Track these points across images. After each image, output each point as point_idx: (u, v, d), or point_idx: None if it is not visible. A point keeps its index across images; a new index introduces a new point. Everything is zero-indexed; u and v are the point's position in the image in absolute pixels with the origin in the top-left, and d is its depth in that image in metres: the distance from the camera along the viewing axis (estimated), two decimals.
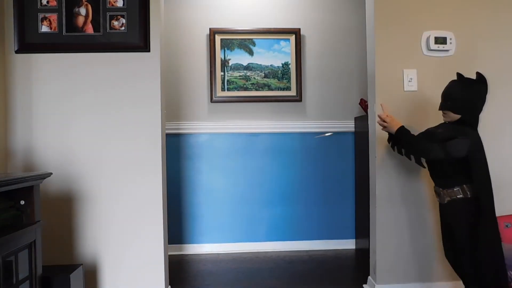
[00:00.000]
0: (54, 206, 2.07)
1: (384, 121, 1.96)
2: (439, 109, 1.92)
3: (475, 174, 1.82)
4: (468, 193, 1.85)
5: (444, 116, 1.92)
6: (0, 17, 2.06)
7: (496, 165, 2.33)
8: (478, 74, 1.89)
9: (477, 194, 1.83)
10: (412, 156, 2.00)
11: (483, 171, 1.85)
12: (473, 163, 1.81)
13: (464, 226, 1.87)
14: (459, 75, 1.90)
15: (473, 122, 1.88)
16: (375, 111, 2.29)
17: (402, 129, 1.92)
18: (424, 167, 2.02)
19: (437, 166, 1.95)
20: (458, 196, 1.86)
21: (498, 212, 2.31)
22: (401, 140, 1.96)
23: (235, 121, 3.36)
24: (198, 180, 3.35)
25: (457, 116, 1.86)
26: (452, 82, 1.91)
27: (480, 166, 1.84)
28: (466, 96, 1.85)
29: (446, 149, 1.80)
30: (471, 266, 1.87)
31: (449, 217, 1.92)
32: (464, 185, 1.85)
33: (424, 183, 2.30)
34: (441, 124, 1.99)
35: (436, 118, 2.29)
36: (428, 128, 2.06)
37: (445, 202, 1.91)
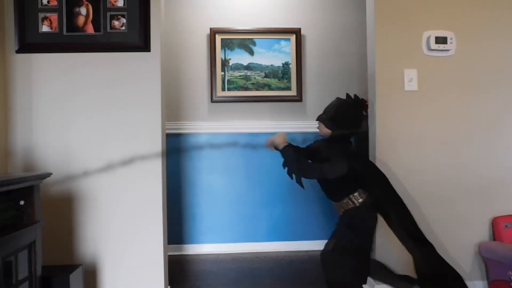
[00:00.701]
0: (54, 206, 2.07)
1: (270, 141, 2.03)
2: (316, 119, 2.05)
3: (369, 185, 1.96)
4: (355, 202, 1.95)
5: (318, 128, 2.05)
6: (0, 17, 2.06)
7: (496, 165, 2.34)
8: (355, 97, 2.05)
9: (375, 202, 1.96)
10: (293, 175, 2.03)
11: (376, 180, 1.97)
12: (365, 175, 1.95)
13: (357, 234, 1.96)
14: (347, 95, 2.08)
15: (341, 140, 2.01)
16: (375, 111, 2.29)
17: (286, 148, 1.98)
18: (304, 188, 2.05)
19: (323, 182, 2.05)
20: (349, 207, 1.96)
21: (498, 212, 2.32)
22: (284, 159, 2.00)
23: (235, 121, 3.36)
24: (198, 180, 3.35)
25: (328, 131, 2.00)
26: (337, 99, 2.07)
27: (370, 176, 1.97)
28: (341, 115, 1.99)
29: (323, 171, 1.93)
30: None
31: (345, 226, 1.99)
32: (351, 195, 1.96)
33: (424, 183, 2.30)
34: (320, 141, 2.10)
35: (436, 118, 2.30)
36: (309, 145, 2.15)
37: (340, 214, 2.01)
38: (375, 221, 1.99)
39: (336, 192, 2.01)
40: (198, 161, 3.35)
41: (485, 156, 2.33)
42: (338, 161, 1.91)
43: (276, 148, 2.04)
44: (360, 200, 1.95)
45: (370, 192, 1.96)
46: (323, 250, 2.05)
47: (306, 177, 2.01)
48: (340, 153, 1.94)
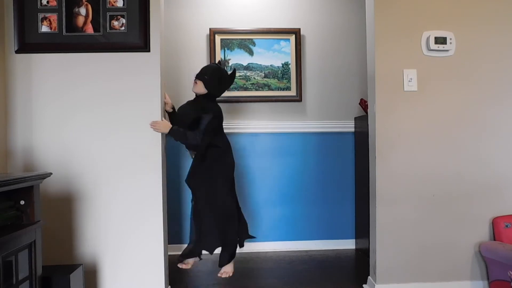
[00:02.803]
0: (54, 206, 2.07)
1: (154, 126, 2.15)
2: (195, 78, 2.33)
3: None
4: None
5: (194, 86, 2.34)
6: (0, 17, 2.06)
7: (497, 164, 2.34)
8: (234, 70, 2.43)
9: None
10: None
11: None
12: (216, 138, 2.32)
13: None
14: (220, 62, 2.52)
15: (214, 99, 2.37)
16: (375, 111, 2.29)
17: (171, 129, 2.19)
18: (192, 158, 2.39)
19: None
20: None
21: (498, 212, 2.32)
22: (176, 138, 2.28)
23: (235, 121, 3.36)
24: None
25: (204, 91, 2.32)
26: (214, 64, 2.44)
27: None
28: (219, 80, 2.34)
29: (207, 129, 2.25)
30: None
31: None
32: None
33: (424, 183, 2.30)
34: (191, 103, 2.38)
35: (435, 118, 2.30)
36: (179, 109, 2.40)
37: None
38: None
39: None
40: None
41: (485, 156, 2.33)
42: (214, 117, 2.29)
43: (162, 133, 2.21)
44: None
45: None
46: None
47: (198, 143, 2.27)
48: (214, 109, 2.32)
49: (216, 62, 2.47)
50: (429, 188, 2.30)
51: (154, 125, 2.12)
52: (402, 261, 2.29)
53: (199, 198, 2.35)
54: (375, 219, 2.30)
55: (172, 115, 2.40)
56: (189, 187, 2.39)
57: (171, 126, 2.20)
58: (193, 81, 2.37)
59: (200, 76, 2.34)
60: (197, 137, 2.24)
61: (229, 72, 2.43)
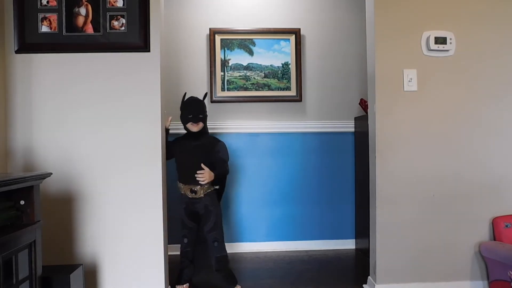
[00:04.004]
0: (54, 206, 2.07)
1: (203, 177, 2.38)
2: (194, 122, 2.40)
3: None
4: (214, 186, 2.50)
5: (194, 127, 2.41)
6: (0, 17, 2.06)
7: (497, 164, 2.34)
8: (205, 95, 2.56)
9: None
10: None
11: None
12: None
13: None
14: (205, 94, 2.57)
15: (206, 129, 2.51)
16: (375, 111, 2.29)
17: (215, 173, 2.41)
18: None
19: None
20: (210, 190, 2.45)
21: (498, 212, 2.32)
22: (220, 179, 2.52)
23: (235, 121, 3.36)
24: None
25: (202, 126, 2.44)
26: (198, 100, 2.48)
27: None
28: (205, 112, 2.47)
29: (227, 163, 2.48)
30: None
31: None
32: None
33: (424, 183, 2.30)
34: (186, 138, 2.47)
35: (435, 118, 2.30)
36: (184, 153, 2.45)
37: (203, 195, 2.43)
38: None
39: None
40: None
41: (485, 156, 2.33)
42: (224, 147, 2.49)
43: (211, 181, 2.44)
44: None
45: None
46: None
47: (227, 170, 2.49)
48: (218, 140, 2.51)
49: (204, 94, 2.58)
50: (429, 188, 2.30)
51: (203, 177, 2.35)
52: (402, 261, 2.29)
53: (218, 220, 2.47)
54: (375, 219, 2.30)
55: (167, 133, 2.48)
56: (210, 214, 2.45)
57: (213, 173, 2.40)
58: (193, 124, 2.41)
59: (199, 119, 2.42)
60: (227, 167, 2.47)
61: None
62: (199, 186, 2.40)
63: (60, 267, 1.93)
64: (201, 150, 2.42)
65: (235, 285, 2.45)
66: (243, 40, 3.38)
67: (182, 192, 2.45)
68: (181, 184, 2.46)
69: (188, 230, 2.47)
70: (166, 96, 2.38)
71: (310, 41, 3.44)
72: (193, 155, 2.41)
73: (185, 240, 2.48)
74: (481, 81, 2.33)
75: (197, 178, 2.36)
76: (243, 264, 3.02)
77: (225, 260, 2.45)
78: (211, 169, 2.39)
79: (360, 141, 3.22)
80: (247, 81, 3.39)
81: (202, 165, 2.37)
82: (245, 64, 3.38)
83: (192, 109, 2.42)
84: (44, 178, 1.72)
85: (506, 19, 2.34)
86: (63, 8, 2.08)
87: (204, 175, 2.35)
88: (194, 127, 2.42)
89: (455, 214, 2.31)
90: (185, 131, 2.49)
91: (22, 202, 1.62)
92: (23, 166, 2.07)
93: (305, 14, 3.43)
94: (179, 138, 2.51)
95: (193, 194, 2.41)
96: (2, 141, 2.05)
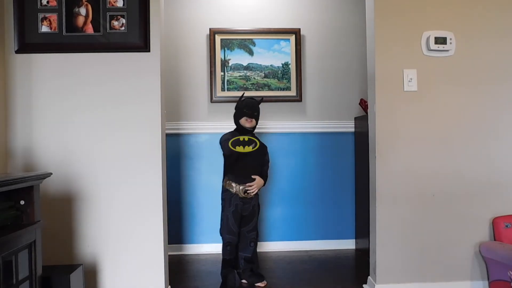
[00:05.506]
0: (54, 206, 2.07)
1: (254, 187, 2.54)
2: (250, 117, 2.54)
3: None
4: None
5: (250, 122, 2.56)
6: (0, 17, 2.06)
7: (497, 165, 2.34)
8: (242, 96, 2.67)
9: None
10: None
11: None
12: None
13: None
14: (242, 95, 2.66)
15: None
16: (375, 111, 2.29)
17: (262, 179, 2.59)
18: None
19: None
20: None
21: (498, 212, 2.32)
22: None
23: None
24: (198, 180, 3.35)
25: (255, 124, 2.59)
26: (255, 100, 2.62)
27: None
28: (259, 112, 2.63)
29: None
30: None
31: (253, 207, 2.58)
32: None
33: (424, 183, 2.30)
34: (254, 148, 2.56)
35: (435, 118, 2.30)
36: (235, 151, 2.54)
37: (253, 195, 2.55)
38: None
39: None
40: (198, 161, 3.36)
41: (484, 156, 2.33)
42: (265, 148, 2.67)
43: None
44: None
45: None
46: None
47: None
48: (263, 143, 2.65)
49: (242, 95, 2.69)
50: (429, 188, 2.30)
51: (254, 187, 2.51)
52: (402, 261, 2.29)
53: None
54: (375, 219, 2.30)
55: None
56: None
57: (263, 181, 2.58)
58: (247, 119, 2.55)
59: (254, 116, 2.57)
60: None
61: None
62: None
63: (60, 267, 1.93)
64: (259, 152, 2.57)
65: (262, 281, 2.55)
66: (243, 40, 3.38)
67: (234, 191, 2.51)
68: (234, 183, 2.52)
69: (232, 236, 2.53)
70: (166, 96, 2.38)
71: (310, 41, 3.44)
72: (252, 157, 2.54)
73: (228, 248, 2.53)
74: (481, 80, 2.32)
75: (248, 191, 2.50)
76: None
77: (257, 261, 2.62)
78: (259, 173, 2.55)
79: (360, 141, 3.22)
80: (247, 81, 3.39)
81: (253, 176, 2.53)
82: (245, 64, 3.38)
83: (249, 106, 2.56)
84: (44, 178, 1.72)
85: (506, 19, 2.34)
86: (63, 8, 2.08)
87: (255, 185, 2.52)
88: (248, 123, 2.55)
89: (455, 214, 2.31)
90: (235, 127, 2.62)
91: (22, 202, 1.62)
92: (23, 166, 2.07)
93: (305, 14, 3.43)
94: (234, 135, 2.59)
95: (246, 194, 2.51)
96: (2, 141, 2.05)
